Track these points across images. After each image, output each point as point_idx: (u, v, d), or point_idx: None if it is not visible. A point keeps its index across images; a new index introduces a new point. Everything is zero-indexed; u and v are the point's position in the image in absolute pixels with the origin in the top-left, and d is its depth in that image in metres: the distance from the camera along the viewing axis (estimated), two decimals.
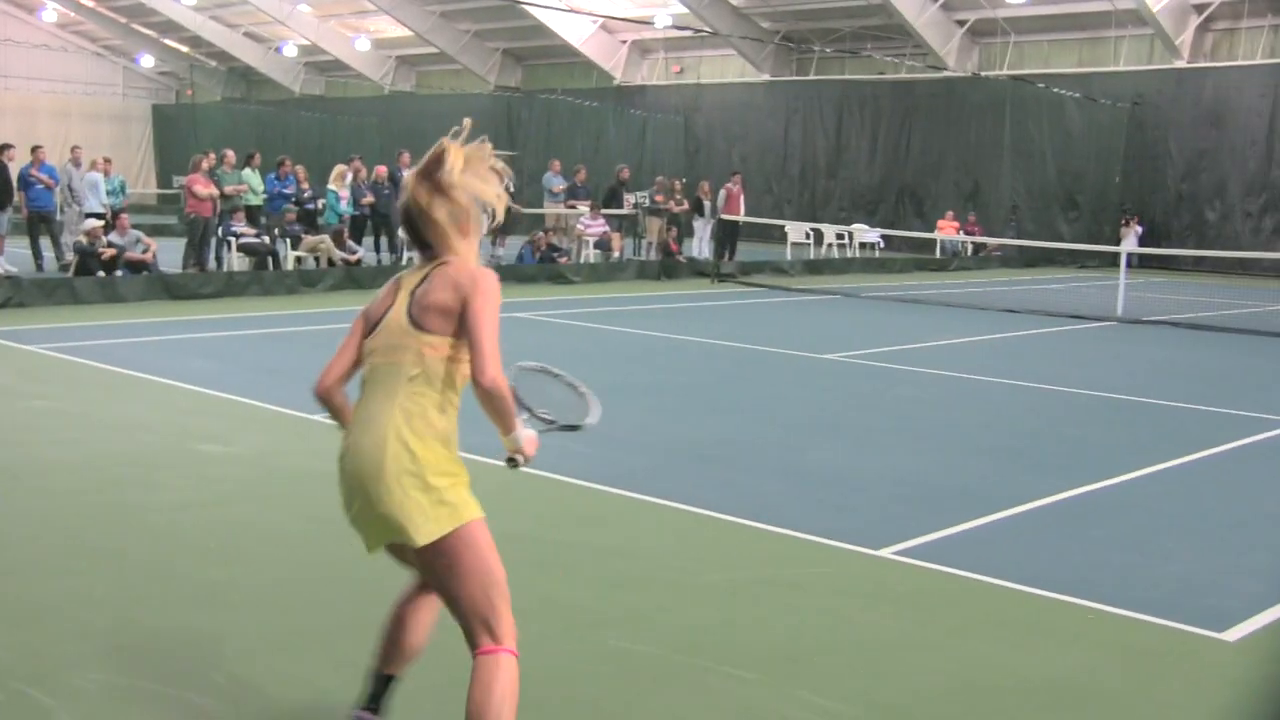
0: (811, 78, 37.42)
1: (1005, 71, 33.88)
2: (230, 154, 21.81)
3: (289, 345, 14.05)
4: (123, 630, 5.18)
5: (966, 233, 30.67)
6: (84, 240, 18.53)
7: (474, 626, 3.57)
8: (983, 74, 33.83)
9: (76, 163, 21.82)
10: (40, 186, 20.95)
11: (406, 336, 3.61)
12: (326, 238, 20.90)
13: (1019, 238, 29.84)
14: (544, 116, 38.58)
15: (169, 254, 20.69)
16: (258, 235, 20.75)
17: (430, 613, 3.95)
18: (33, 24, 48.86)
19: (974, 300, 21.24)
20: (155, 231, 24.32)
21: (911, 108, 35.28)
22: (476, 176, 3.71)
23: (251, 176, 21.83)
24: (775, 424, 10.09)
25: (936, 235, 30.04)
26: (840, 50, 35.93)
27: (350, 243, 21.18)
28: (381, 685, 3.98)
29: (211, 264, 20.82)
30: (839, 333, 16.45)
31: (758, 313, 18.83)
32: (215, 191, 20.49)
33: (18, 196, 20.76)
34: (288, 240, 20.97)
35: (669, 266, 24.13)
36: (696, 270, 24.36)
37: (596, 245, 24.59)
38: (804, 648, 5.21)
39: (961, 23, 34.02)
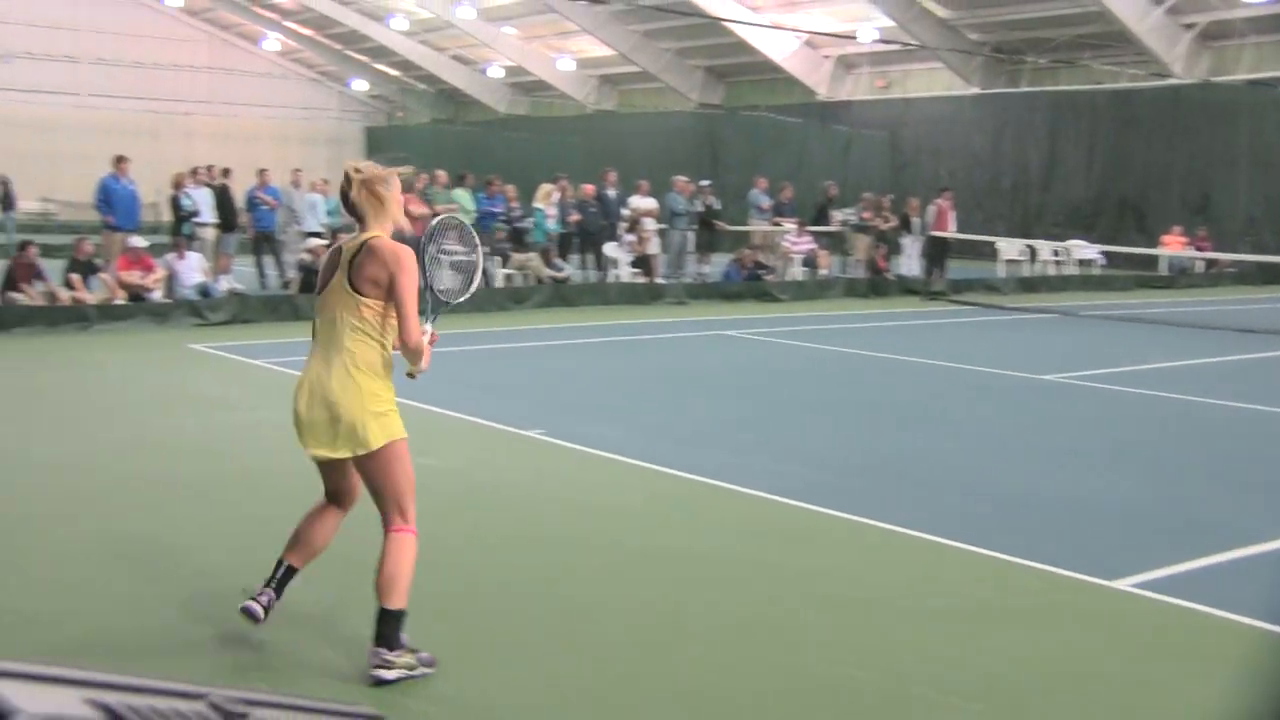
0: (1023, 89, 36.54)
1: (1242, 76, 32.41)
2: (442, 174, 22.38)
3: (498, 361, 14.31)
4: (331, 635, 5.31)
5: (1196, 248, 29.28)
6: (305, 258, 19.25)
7: (391, 512, 4.95)
8: (1215, 79, 32.45)
9: (297, 184, 22.68)
10: (265, 208, 21.86)
11: (347, 297, 4.89)
12: (535, 255, 21.26)
13: (1257, 252, 28.41)
14: (746, 134, 38.59)
15: None
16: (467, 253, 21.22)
17: (332, 524, 5.31)
18: (255, 53, 51.25)
19: (1205, 320, 20.34)
20: None
21: (1131, 118, 34.07)
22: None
23: (463, 196, 22.34)
24: (990, 445, 9.83)
25: (1163, 251, 28.82)
26: (1055, 60, 35.00)
27: (557, 260, 21.51)
28: (286, 573, 5.24)
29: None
30: (1056, 353, 15.97)
31: (970, 331, 18.44)
32: (428, 210, 21.03)
33: (244, 218, 21.73)
34: (497, 258, 21.40)
35: (877, 284, 23.83)
36: (905, 288, 24.00)
37: (803, 263, 24.45)
38: (1033, 679, 5.03)
39: (1189, 26, 32.73)
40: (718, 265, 24.76)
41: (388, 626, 4.84)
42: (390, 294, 4.88)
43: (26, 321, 15.40)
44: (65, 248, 24.44)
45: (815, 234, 25.14)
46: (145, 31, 48.52)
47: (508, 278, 21.30)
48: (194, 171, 21.15)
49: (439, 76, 49.22)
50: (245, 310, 17.00)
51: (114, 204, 19.05)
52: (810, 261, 24.52)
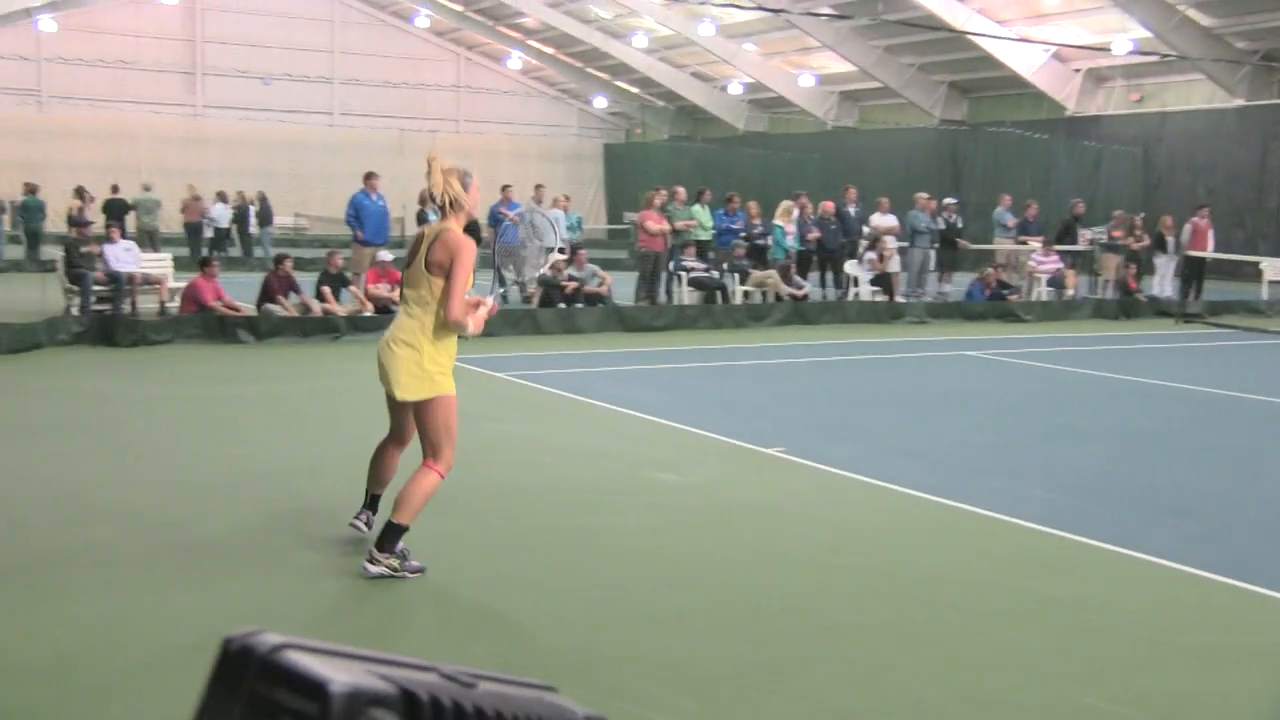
0: None
1: None
2: (681, 190, 22.60)
3: (737, 378, 14.37)
4: (591, 649, 5.44)
5: None
6: (546, 273, 19.71)
7: (426, 450, 6.31)
8: None
9: (539, 200, 23.27)
10: (508, 223, 22.46)
11: (421, 276, 6.15)
12: (774, 272, 21.28)
13: None
14: (990, 150, 37.78)
15: (622, 287, 21.68)
16: (707, 270, 21.40)
17: (396, 456, 6.79)
18: (499, 72, 52.76)
19: None
20: (606, 266, 25.55)
21: None
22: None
23: (701, 212, 22.53)
24: (1256, 477, 9.39)
25: None
26: None
27: (797, 278, 21.48)
28: (373, 500, 6.85)
29: (662, 297, 21.65)
30: None
31: (1229, 356, 17.64)
32: (667, 227, 21.30)
33: (487, 232, 22.37)
34: (736, 275, 21.50)
35: (1128, 305, 23.02)
36: (1158, 310, 23.11)
37: (1049, 283, 23.81)
38: None
39: None
40: (960, 284, 24.32)
41: (389, 534, 6.21)
42: (447, 275, 6.09)
43: (281, 331, 16.23)
44: (317, 261, 25.66)
45: (1062, 253, 24.46)
46: (395, 52, 50.52)
47: (746, 295, 21.37)
48: None
49: (678, 93, 49.71)
50: (487, 324, 17.45)
51: (364, 219, 19.82)
52: (1057, 281, 23.85)
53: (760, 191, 36.33)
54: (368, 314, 17.29)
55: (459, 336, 6.29)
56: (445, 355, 6.27)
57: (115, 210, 28.68)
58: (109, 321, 15.79)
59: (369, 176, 20.34)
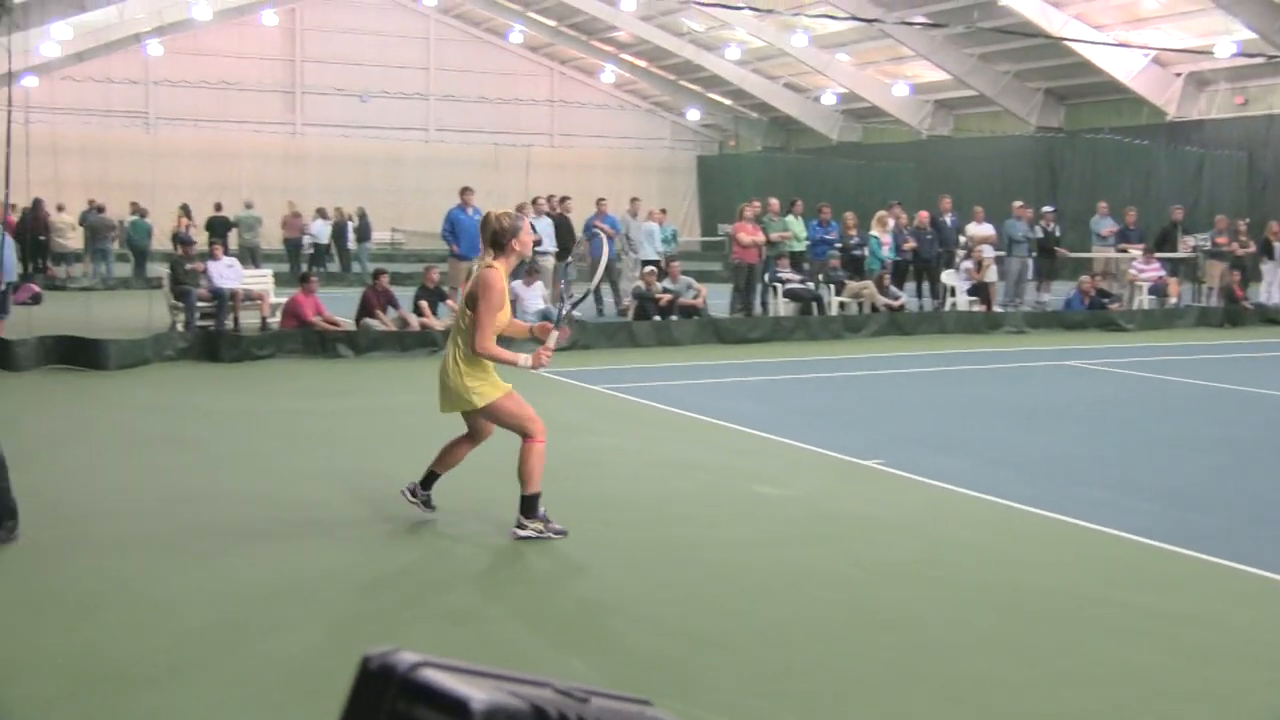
0: None
1: None
2: (775, 201, 22.56)
3: (834, 390, 14.30)
4: (689, 662, 5.44)
5: None
6: (640, 286, 19.78)
7: (520, 433, 7.24)
8: None
9: (634, 213, 23.33)
10: (602, 237, 22.54)
11: (462, 307, 7.17)
12: (870, 283, 21.16)
13: None
14: (1088, 157, 37.21)
15: (717, 299, 21.67)
16: (802, 281, 21.32)
17: (464, 450, 7.64)
18: (593, 85, 53.01)
19: None
20: (701, 278, 25.58)
21: None
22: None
23: (795, 223, 22.46)
24: None
25: None
26: None
27: (893, 288, 21.33)
28: (432, 477, 7.67)
29: (758, 309, 21.61)
30: None
31: None
32: (761, 238, 21.25)
33: (582, 246, 22.44)
34: (831, 286, 21.40)
35: (1233, 313, 22.53)
36: (1266, 317, 22.59)
37: (1151, 291, 23.39)
38: None
39: None
40: (1058, 293, 23.98)
41: (526, 504, 7.26)
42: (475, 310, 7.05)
43: (380, 346, 16.43)
44: (414, 276, 25.98)
45: (1163, 260, 24.01)
46: (489, 68, 50.99)
47: (842, 306, 21.25)
48: (534, 201, 22.02)
49: (771, 104, 49.61)
50: (583, 337, 17.59)
51: (459, 234, 19.97)
52: (1159, 289, 23.43)
53: (855, 202, 36.13)
54: None
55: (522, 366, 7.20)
56: (480, 373, 7.16)
57: (218, 228, 29.30)
58: (213, 337, 16.12)
59: (464, 191, 20.53)
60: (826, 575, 6.78)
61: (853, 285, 21.33)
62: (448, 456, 7.69)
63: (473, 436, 7.61)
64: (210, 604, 6.13)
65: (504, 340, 7.28)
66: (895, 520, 7.99)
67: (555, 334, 7.24)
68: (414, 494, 7.72)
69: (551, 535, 7.27)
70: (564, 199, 22.59)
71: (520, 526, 7.29)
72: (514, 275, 19.53)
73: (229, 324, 18.09)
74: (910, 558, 7.11)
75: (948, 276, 22.69)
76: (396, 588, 6.60)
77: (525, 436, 7.24)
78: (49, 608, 6.05)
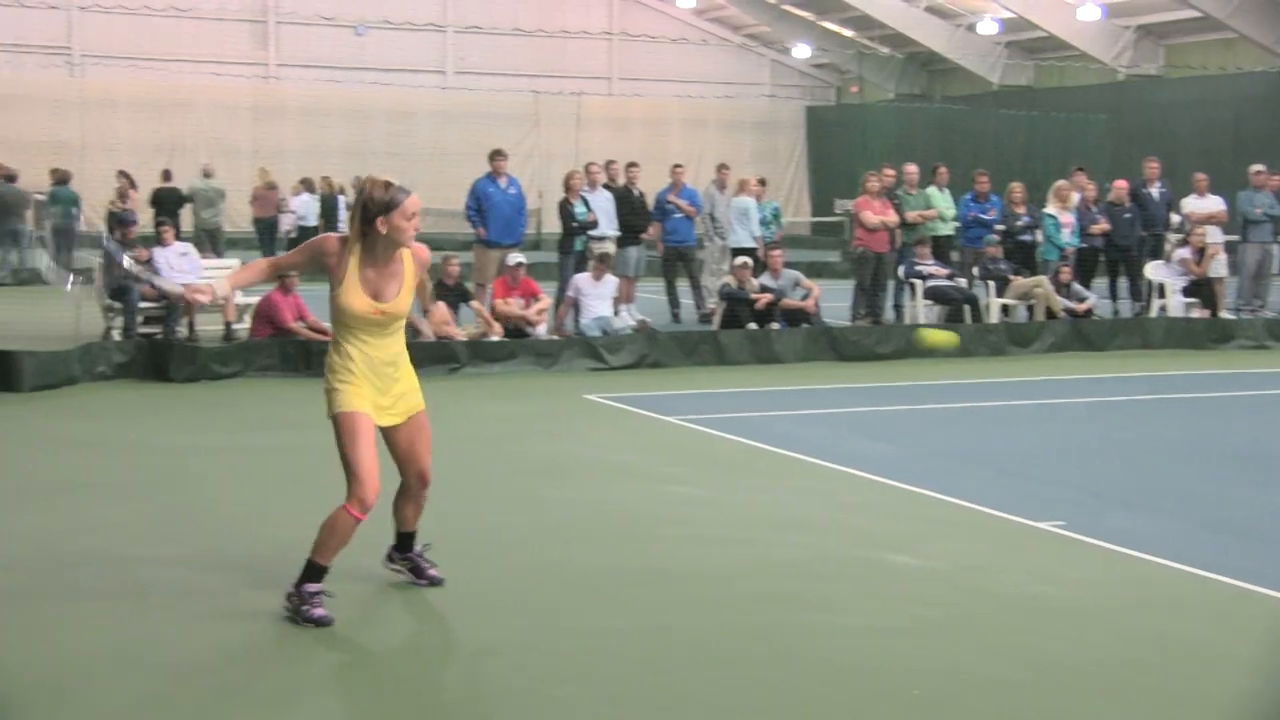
0: None
1: None
2: (912, 169, 22.45)
3: (993, 425, 14.20)
4: None
5: None
6: (729, 282, 19.77)
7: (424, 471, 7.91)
8: None
9: (722, 185, 23.29)
10: (680, 216, 22.55)
11: None
12: (1044, 279, 21.00)
13: None
14: None
15: (833, 300, 21.59)
16: (950, 276, 21.21)
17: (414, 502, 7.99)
18: (665, 12, 52.95)
19: None
20: (812, 272, 25.53)
21: None
22: None
23: (940, 198, 22.35)
24: None
25: None
26: None
27: (1077, 286, 21.15)
28: (406, 539, 8.09)
29: (889, 314, 21.49)
30: None
31: None
32: (893, 219, 21.16)
33: (653, 228, 22.45)
34: (991, 283, 21.26)
35: None
36: None
37: None
38: None
39: None
40: None
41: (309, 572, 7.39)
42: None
43: None
44: (427, 269, 26.14)
45: None
46: None
47: (1005, 310, 21.10)
48: (587, 169, 22.07)
49: (908, 36, 49.41)
50: (653, 351, 17.60)
51: (489, 212, 20.03)
52: None
53: (1023, 169, 35.91)
54: (495, 338, 17.52)
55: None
56: (333, 366, 7.69)
57: (166, 203, 29.42)
58: (160, 348, 16.32)
59: (495, 156, 20.58)
60: (984, 680, 6.71)
61: (1020, 282, 21.18)
62: (403, 511, 8.04)
63: (399, 467, 7.93)
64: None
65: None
66: (1078, 605, 7.91)
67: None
68: (391, 559, 8.11)
69: (308, 622, 7.31)
70: (629, 166, 22.60)
71: (289, 595, 7.43)
72: (579, 268, 19.61)
73: (182, 331, 18.30)
74: (1100, 657, 7.04)
75: (1154, 270, 22.47)
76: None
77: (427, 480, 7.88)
78: None
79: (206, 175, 31.37)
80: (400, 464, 7.84)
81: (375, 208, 7.59)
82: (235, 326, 18.51)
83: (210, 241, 28.85)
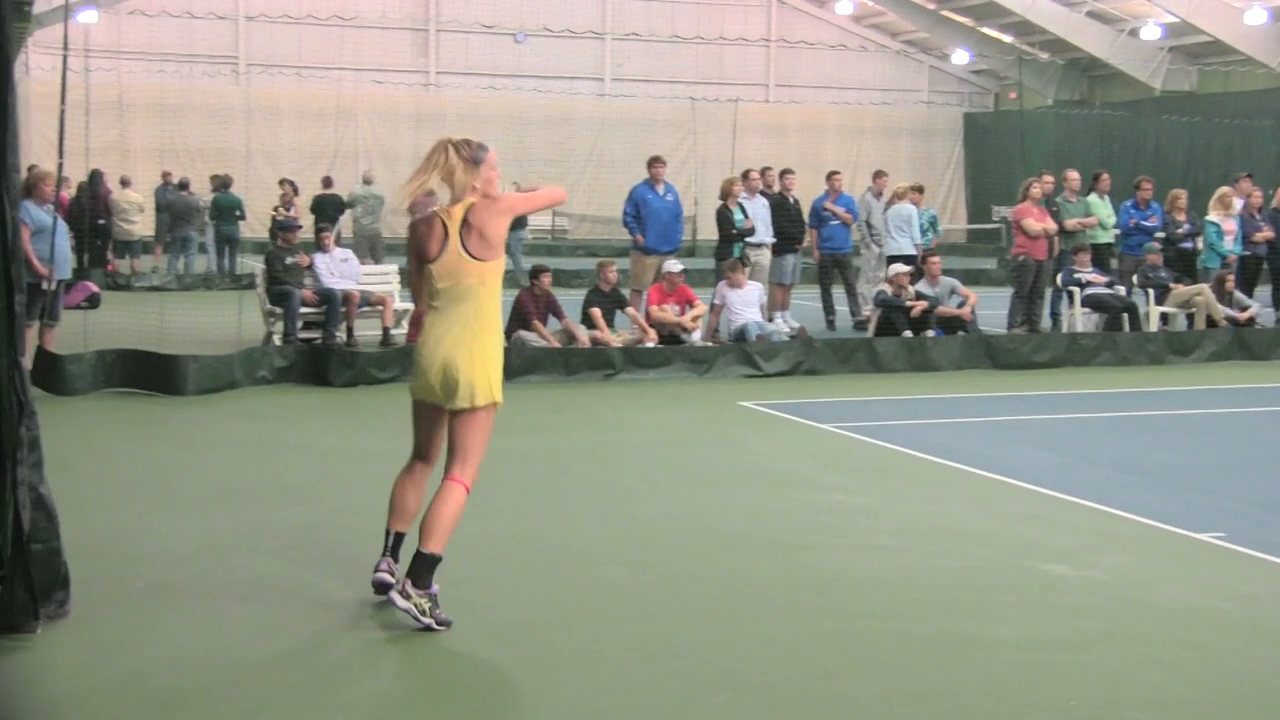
0: None
1: None
2: (1073, 176, 22.20)
3: (1154, 435, 14.01)
4: None
5: None
6: (886, 290, 19.69)
7: (455, 462, 7.45)
8: None
9: (878, 192, 23.21)
10: (836, 223, 22.52)
11: (462, 265, 7.46)
12: (1205, 287, 20.71)
13: None
14: None
15: (991, 308, 21.42)
16: (1109, 284, 20.97)
17: (424, 483, 7.74)
18: (824, 19, 52.88)
19: None
20: (969, 279, 25.38)
21: None
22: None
23: (1100, 205, 22.08)
24: None
25: None
26: None
27: (1239, 294, 20.83)
28: (397, 542, 7.75)
29: (1047, 322, 21.27)
30: None
31: None
32: (1053, 227, 20.94)
33: (809, 235, 22.46)
34: (1151, 291, 20.99)
35: None
36: None
37: None
38: None
39: None
40: None
41: (422, 566, 7.24)
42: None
43: (538, 367, 16.66)
44: (584, 275, 26.35)
45: None
46: None
47: (1165, 319, 20.82)
48: (745, 175, 22.07)
49: (1069, 41, 48.83)
50: (809, 358, 17.57)
51: (647, 219, 20.12)
52: None
53: (1185, 175, 35.45)
54: (650, 344, 17.58)
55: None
56: (498, 352, 7.58)
57: (327, 209, 29.94)
58: (320, 353, 16.56)
59: (654, 163, 20.69)
60: (1145, 692, 6.64)
61: (1181, 290, 20.90)
62: (407, 502, 7.78)
63: (426, 456, 7.75)
64: None
65: None
66: (1243, 617, 7.81)
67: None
68: (391, 573, 7.66)
69: (432, 624, 7.23)
70: (785, 173, 22.62)
71: (403, 594, 7.24)
72: (718, 275, 19.69)
73: (342, 336, 18.60)
74: (1268, 673, 6.95)
75: None
76: None
77: (459, 472, 7.44)
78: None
79: (366, 182, 31.76)
80: (434, 449, 7.76)
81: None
82: (393, 332, 18.73)
83: (370, 247, 29.20)
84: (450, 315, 7.43)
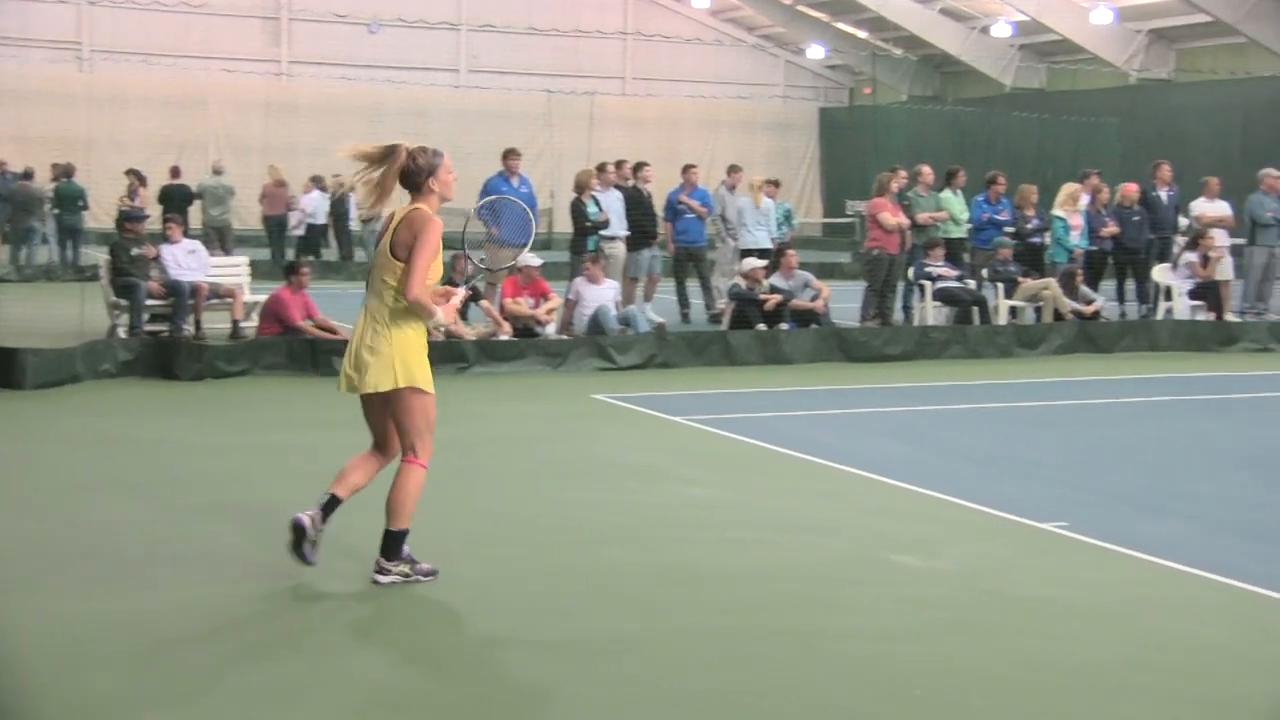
0: None
1: None
2: (927, 171, 22.43)
3: (1002, 427, 14.22)
4: None
5: None
6: (740, 284, 19.77)
7: (405, 446, 7.99)
8: None
9: (733, 186, 23.28)
10: (691, 216, 22.57)
11: (386, 261, 7.88)
12: (1053, 281, 21.01)
13: None
14: None
15: (844, 301, 21.59)
16: (960, 278, 21.21)
17: (372, 469, 8.18)
18: (681, 12, 53.04)
19: None
20: (823, 273, 25.52)
21: None
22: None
23: (953, 201, 22.31)
24: None
25: None
26: None
27: (1085, 288, 21.15)
28: (329, 501, 7.99)
29: (899, 315, 21.48)
30: None
31: None
32: (905, 221, 21.13)
33: (664, 229, 22.48)
34: (1001, 285, 21.26)
35: None
36: None
37: None
38: None
39: None
40: None
41: (390, 543, 7.96)
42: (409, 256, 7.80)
43: None
44: None
45: None
46: None
47: (1014, 312, 21.11)
48: (600, 169, 22.06)
49: (922, 38, 49.39)
50: (663, 351, 17.61)
51: (500, 211, 20.07)
52: None
53: (1035, 171, 35.85)
54: (505, 337, 17.54)
55: (428, 330, 8.03)
56: (416, 343, 7.92)
57: (175, 200, 29.50)
58: (166, 346, 16.31)
59: (509, 155, 20.64)
60: (989, 680, 6.74)
61: (1030, 284, 21.17)
62: (351, 474, 8.15)
63: (381, 447, 8.19)
64: None
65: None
66: (1084, 605, 7.94)
67: (458, 295, 8.51)
68: (313, 522, 7.91)
69: (419, 578, 7.99)
70: (640, 166, 22.61)
71: (381, 572, 7.96)
72: (575, 270, 19.66)
73: (189, 329, 18.33)
74: (1105, 659, 7.06)
75: (1162, 273, 22.46)
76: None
77: (411, 453, 7.99)
78: None
79: (216, 172, 31.42)
80: (383, 433, 8.15)
81: (422, 172, 8.05)
82: (243, 325, 18.51)
83: (219, 239, 28.86)
84: (366, 307, 7.96)
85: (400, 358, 7.78)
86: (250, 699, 6.31)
